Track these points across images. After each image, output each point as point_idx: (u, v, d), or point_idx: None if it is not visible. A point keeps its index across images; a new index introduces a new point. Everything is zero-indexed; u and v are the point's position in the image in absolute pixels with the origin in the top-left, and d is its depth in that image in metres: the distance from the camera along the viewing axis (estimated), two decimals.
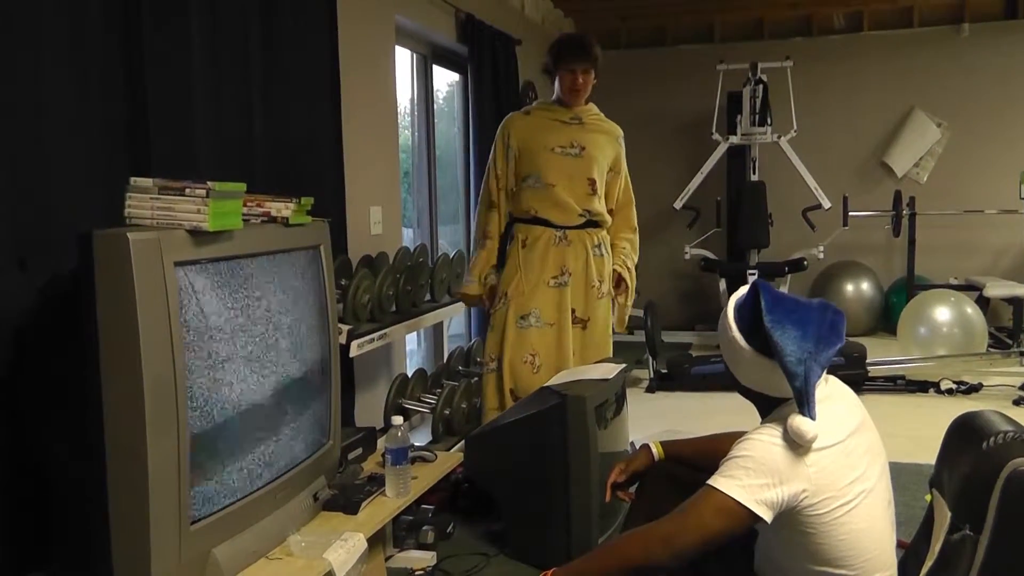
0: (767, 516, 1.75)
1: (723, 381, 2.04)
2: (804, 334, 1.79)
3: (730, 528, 1.76)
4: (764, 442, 1.78)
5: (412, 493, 2.82)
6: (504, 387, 3.57)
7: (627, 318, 3.82)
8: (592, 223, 3.63)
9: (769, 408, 1.89)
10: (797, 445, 1.75)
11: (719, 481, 1.77)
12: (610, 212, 3.71)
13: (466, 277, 3.78)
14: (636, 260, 3.81)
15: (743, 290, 1.96)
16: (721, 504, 1.75)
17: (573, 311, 3.61)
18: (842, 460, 1.79)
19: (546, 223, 3.61)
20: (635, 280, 3.79)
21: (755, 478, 1.74)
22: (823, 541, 1.79)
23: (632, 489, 2.37)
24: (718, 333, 1.97)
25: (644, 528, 1.84)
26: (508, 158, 3.67)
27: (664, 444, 2.33)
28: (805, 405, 1.75)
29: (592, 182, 3.59)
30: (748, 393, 1.96)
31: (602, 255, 3.65)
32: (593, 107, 3.74)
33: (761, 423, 1.87)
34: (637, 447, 2.37)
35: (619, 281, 3.72)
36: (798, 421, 1.74)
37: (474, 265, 3.72)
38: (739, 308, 1.91)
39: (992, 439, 1.71)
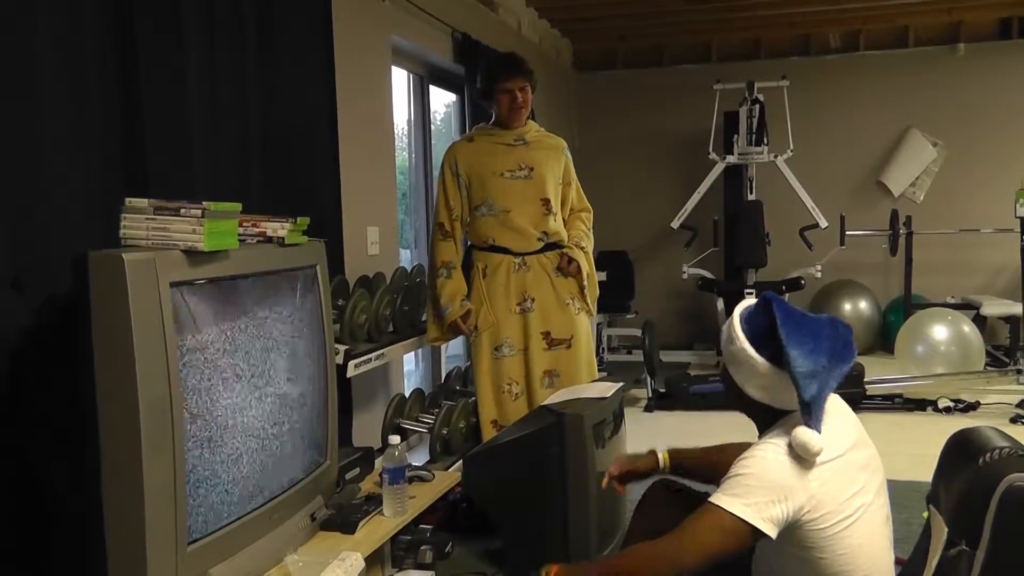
0: (772, 533, 1.74)
1: (722, 400, 2.03)
2: (816, 347, 1.79)
3: (735, 546, 1.76)
4: (768, 458, 1.77)
5: (410, 512, 2.82)
6: (487, 418, 3.58)
7: (592, 301, 3.67)
8: (552, 245, 3.59)
9: (770, 421, 1.89)
10: (801, 459, 1.75)
11: (723, 499, 1.77)
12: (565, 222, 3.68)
13: (439, 310, 3.59)
14: (591, 238, 3.73)
15: (749, 302, 1.95)
16: (725, 522, 1.75)
17: (549, 334, 3.57)
18: (843, 474, 1.79)
19: (505, 251, 3.56)
20: (591, 260, 3.68)
21: (760, 495, 1.74)
22: (822, 556, 1.79)
23: (627, 487, 2.39)
24: (722, 345, 1.97)
25: (648, 546, 1.84)
26: (460, 186, 3.58)
27: (671, 452, 2.33)
28: (812, 417, 1.75)
29: (546, 202, 3.55)
30: (750, 407, 1.94)
31: (566, 275, 3.60)
32: (534, 124, 3.68)
33: (763, 437, 1.87)
34: None
35: (570, 261, 3.58)
36: (803, 433, 1.74)
37: (444, 294, 3.56)
38: (748, 320, 1.90)
39: (988, 455, 1.72)
